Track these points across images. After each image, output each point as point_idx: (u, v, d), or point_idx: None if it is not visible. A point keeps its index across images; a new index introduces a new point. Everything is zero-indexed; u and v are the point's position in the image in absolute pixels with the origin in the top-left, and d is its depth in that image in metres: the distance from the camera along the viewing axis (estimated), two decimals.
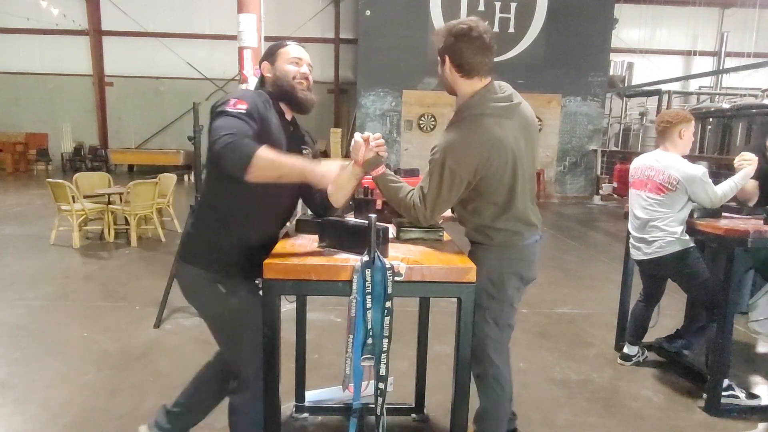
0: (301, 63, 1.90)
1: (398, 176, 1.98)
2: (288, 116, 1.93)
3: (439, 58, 1.89)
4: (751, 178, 3.01)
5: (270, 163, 1.57)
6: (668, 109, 3.50)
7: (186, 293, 1.90)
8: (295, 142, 1.93)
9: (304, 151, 1.94)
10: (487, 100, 1.83)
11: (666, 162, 2.93)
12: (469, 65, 1.81)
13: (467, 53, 1.80)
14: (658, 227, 2.92)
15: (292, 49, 1.91)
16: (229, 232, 1.82)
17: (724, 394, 2.78)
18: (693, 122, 3.01)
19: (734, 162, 2.97)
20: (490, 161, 1.80)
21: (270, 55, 1.92)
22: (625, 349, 3.36)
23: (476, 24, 1.80)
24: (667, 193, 2.89)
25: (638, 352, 3.34)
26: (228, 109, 1.66)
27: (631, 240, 3.14)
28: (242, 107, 1.68)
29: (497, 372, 2.05)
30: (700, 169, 2.84)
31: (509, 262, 1.94)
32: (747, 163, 2.89)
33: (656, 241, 2.93)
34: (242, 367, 1.83)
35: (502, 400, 2.07)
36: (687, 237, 2.91)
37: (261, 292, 1.73)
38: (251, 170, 1.54)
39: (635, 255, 3.11)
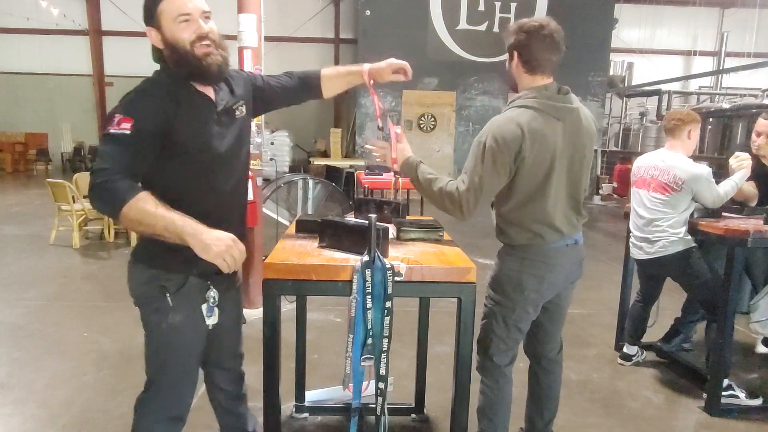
0: (194, 17, 1.45)
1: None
2: (209, 91, 1.57)
3: (507, 54, 1.92)
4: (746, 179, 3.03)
5: (141, 217, 1.35)
6: (677, 109, 3.54)
7: (133, 295, 1.64)
8: (227, 114, 1.61)
9: (237, 113, 1.64)
10: (541, 96, 1.85)
11: (671, 162, 2.92)
12: (535, 61, 1.85)
13: (535, 50, 1.83)
14: (662, 227, 2.91)
15: (174, 2, 1.44)
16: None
17: (724, 394, 2.79)
18: (700, 123, 3.05)
19: (730, 162, 2.98)
20: (531, 148, 1.79)
21: (150, 18, 1.47)
22: (625, 349, 3.37)
23: (548, 23, 1.84)
24: (672, 193, 2.88)
25: (637, 351, 3.34)
26: (111, 130, 1.39)
27: (632, 239, 3.12)
28: (126, 126, 1.38)
29: (496, 370, 2.05)
30: (705, 169, 2.84)
31: (530, 263, 1.93)
32: (744, 162, 2.91)
33: (659, 240, 2.92)
34: (158, 378, 1.66)
35: (497, 401, 2.06)
36: (689, 237, 2.90)
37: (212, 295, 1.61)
38: (120, 220, 1.37)
39: (636, 254, 3.10)
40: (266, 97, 1.81)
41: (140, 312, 1.63)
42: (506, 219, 1.94)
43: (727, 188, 2.86)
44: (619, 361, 3.36)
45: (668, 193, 2.90)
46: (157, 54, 1.53)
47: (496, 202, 1.96)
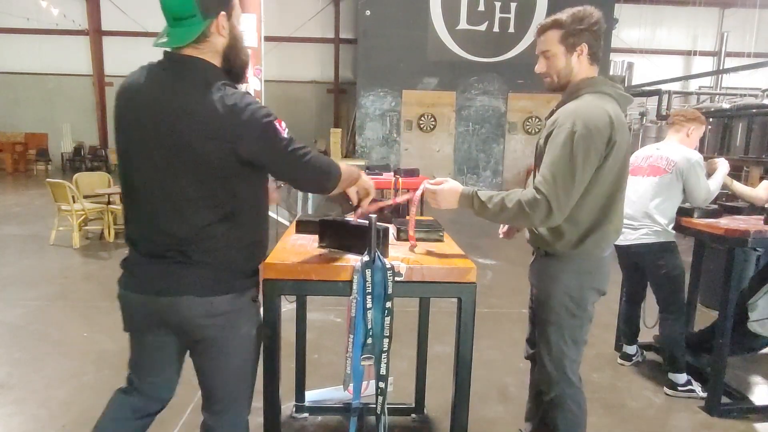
0: None
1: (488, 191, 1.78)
2: None
3: (563, 47, 1.75)
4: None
5: (346, 174, 1.62)
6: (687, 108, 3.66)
7: (221, 324, 1.51)
8: None
9: None
10: (608, 84, 1.77)
11: (665, 147, 3.01)
12: (599, 52, 1.78)
13: (600, 40, 1.77)
14: (649, 214, 2.91)
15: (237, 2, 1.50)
16: (261, 230, 1.60)
17: (681, 389, 2.93)
18: (704, 127, 3.09)
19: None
20: (617, 134, 1.67)
21: (225, 4, 1.44)
22: (625, 349, 3.37)
23: None
24: (663, 175, 2.91)
25: (637, 351, 3.35)
26: (285, 134, 1.48)
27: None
28: (283, 125, 1.51)
29: (575, 393, 1.92)
30: (697, 155, 2.90)
31: (589, 277, 1.82)
32: (716, 164, 3.04)
33: (643, 228, 2.93)
34: (250, 390, 1.64)
35: (580, 421, 1.95)
36: (672, 232, 2.94)
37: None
38: (335, 182, 1.59)
39: (618, 240, 3.06)
40: None
41: (228, 337, 1.52)
42: (579, 222, 1.75)
43: (715, 185, 2.93)
44: (619, 361, 3.36)
45: (660, 174, 2.92)
46: (202, 40, 1.43)
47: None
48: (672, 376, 2.99)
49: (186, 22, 1.40)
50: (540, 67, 1.82)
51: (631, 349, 3.34)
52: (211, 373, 1.57)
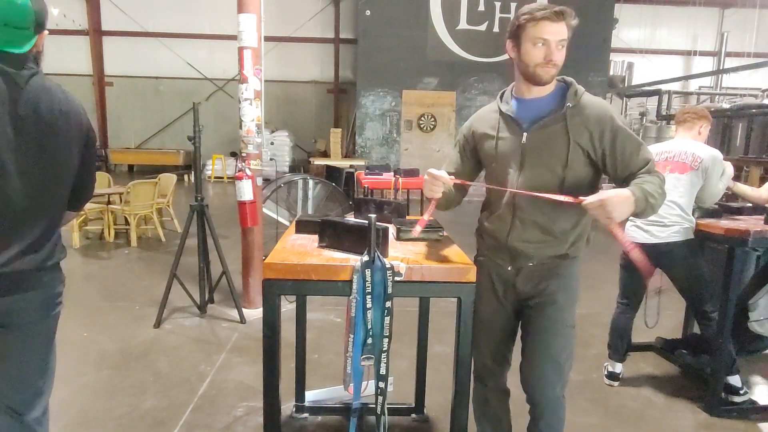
0: None
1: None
2: None
3: (566, 40, 1.65)
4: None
5: None
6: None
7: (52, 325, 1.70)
8: None
9: None
10: None
11: (686, 143, 2.94)
12: None
13: None
14: (677, 210, 2.81)
15: None
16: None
17: (742, 393, 2.82)
18: (711, 124, 3.09)
19: None
20: None
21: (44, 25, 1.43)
22: (611, 368, 3.11)
23: None
24: (691, 171, 2.84)
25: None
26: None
27: (639, 222, 2.93)
28: None
29: (564, 397, 1.93)
30: (720, 153, 2.87)
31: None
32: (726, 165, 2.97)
33: (674, 225, 2.81)
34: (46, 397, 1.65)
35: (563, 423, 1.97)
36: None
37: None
38: None
39: (642, 238, 2.88)
40: None
41: (52, 326, 1.74)
42: (588, 218, 1.79)
43: (722, 187, 2.89)
44: (607, 381, 3.10)
45: (687, 171, 2.84)
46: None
47: (583, 212, 1.68)
48: (732, 379, 2.84)
49: (25, 32, 1.37)
50: (558, 56, 1.63)
51: (619, 367, 3.10)
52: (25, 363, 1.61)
